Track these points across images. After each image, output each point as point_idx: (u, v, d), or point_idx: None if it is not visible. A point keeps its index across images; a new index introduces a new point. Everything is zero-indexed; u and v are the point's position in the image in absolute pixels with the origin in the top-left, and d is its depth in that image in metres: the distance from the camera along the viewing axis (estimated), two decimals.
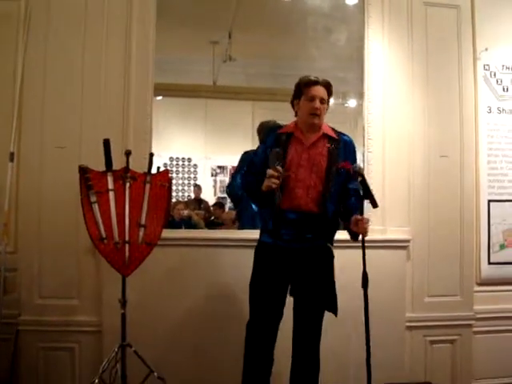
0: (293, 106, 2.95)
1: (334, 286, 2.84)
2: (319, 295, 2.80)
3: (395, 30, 3.75)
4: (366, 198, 2.71)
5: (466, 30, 3.83)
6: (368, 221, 2.74)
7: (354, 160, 2.91)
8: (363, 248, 2.70)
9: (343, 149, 2.88)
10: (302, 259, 2.80)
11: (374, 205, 2.68)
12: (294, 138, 2.87)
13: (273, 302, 2.81)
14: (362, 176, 2.73)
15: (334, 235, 2.92)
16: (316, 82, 2.85)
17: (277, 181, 2.67)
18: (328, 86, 2.88)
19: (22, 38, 3.39)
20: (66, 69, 3.41)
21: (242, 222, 4.28)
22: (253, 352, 2.81)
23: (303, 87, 2.86)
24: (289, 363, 2.87)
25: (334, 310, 2.83)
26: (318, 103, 2.82)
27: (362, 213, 2.72)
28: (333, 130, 2.94)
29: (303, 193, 2.80)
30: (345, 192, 2.86)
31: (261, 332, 2.80)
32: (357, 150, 2.99)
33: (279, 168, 2.69)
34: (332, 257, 2.86)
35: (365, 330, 2.68)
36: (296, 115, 2.94)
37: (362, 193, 2.72)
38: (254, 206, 3.58)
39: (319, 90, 2.84)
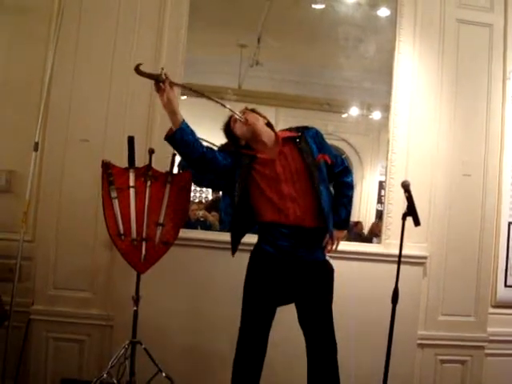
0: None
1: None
2: (321, 303, 2.75)
3: (426, 45, 3.73)
4: (409, 215, 2.66)
5: (497, 49, 3.80)
6: (333, 242, 2.75)
7: (328, 148, 2.84)
8: (398, 264, 2.70)
9: (312, 141, 2.78)
10: (300, 272, 2.71)
11: (417, 223, 2.64)
12: (258, 160, 2.77)
13: (266, 309, 2.75)
14: (409, 192, 2.69)
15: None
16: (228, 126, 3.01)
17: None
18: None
19: (54, 32, 3.42)
20: (96, 64, 3.44)
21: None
22: (243, 357, 2.75)
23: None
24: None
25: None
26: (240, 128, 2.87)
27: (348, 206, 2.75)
28: (291, 130, 2.85)
29: (294, 207, 2.68)
30: (335, 183, 2.85)
31: (252, 338, 2.74)
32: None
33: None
34: (331, 271, 2.78)
35: (387, 346, 2.68)
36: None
37: (406, 208, 2.68)
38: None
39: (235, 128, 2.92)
